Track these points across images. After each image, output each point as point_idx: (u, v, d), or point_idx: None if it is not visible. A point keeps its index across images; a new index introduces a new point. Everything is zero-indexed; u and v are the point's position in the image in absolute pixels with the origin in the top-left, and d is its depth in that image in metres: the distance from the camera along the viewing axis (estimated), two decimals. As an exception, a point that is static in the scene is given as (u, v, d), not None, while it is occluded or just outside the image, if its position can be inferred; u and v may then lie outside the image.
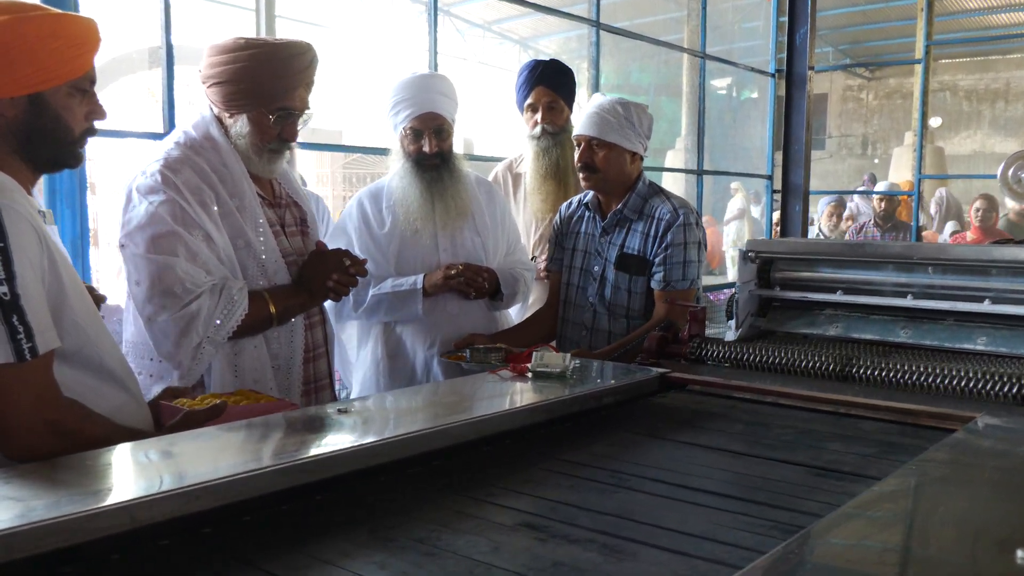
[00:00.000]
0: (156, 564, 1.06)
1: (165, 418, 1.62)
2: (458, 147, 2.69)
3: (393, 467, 1.36)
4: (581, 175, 2.61)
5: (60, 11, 1.53)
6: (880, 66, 16.78)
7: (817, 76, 6.15)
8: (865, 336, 2.12)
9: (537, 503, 1.26)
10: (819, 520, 1.06)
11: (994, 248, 2.07)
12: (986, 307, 1.97)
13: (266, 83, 2.01)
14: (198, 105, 2.14)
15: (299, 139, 2.18)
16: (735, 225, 11.20)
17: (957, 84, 16.65)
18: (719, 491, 1.31)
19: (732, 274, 9.19)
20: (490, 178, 3.18)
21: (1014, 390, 1.66)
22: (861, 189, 9.97)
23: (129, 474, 1.27)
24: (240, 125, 2.04)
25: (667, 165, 9.23)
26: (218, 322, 1.91)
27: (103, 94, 1.62)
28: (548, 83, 3.06)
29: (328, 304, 2.30)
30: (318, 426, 1.50)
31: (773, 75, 6.91)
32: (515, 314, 2.96)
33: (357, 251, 2.55)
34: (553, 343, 2.72)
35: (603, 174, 2.57)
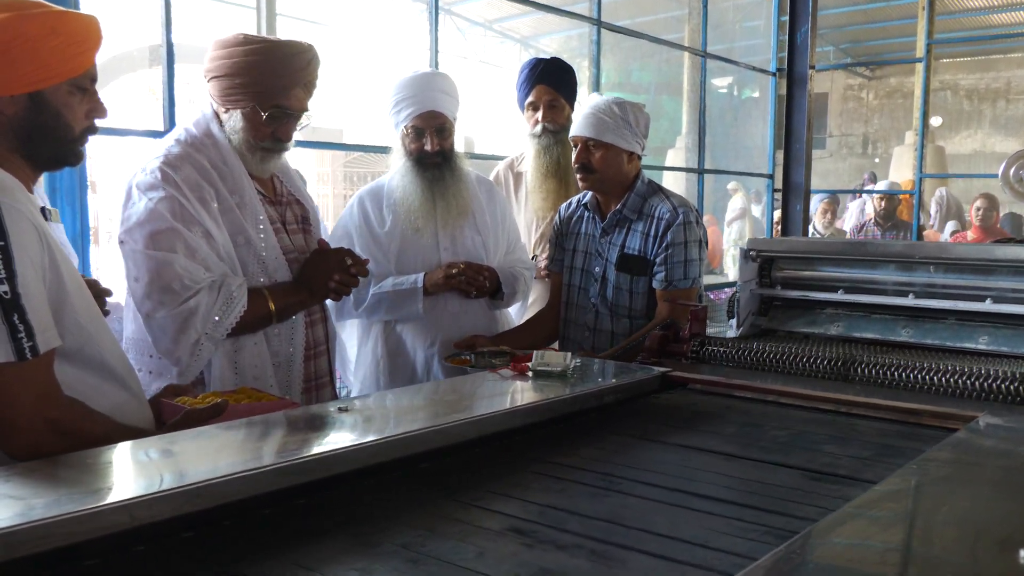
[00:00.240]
0: (129, 572, 1.04)
1: (166, 416, 1.62)
2: (459, 146, 2.69)
3: (380, 469, 1.35)
4: (578, 176, 2.60)
5: (61, 8, 1.53)
6: (881, 65, 16.77)
7: (818, 75, 6.14)
8: (866, 335, 2.11)
9: (526, 507, 1.24)
10: (816, 523, 1.05)
11: (996, 247, 2.07)
12: (988, 306, 1.97)
13: (263, 79, 2.01)
14: (199, 103, 2.13)
15: (298, 139, 2.18)
16: (737, 225, 11.19)
17: (958, 83, 16.63)
18: (712, 495, 1.29)
19: (733, 273, 9.19)
20: (491, 177, 3.18)
21: (1016, 389, 1.66)
22: (866, 188, 9.96)
23: (117, 474, 1.25)
24: (234, 120, 2.03)
25: (668, 164, 9.22)
26: (216, 319, 1.91)
27: (104, 92, 1.61)
28: (549, 81, 3.06)
29: (328, 302, 2.29)
30: (313, 426, 1.48)
31: (774, 74, 6.91)
32: (515, 313, 2.96)
33: (358, 250, 2.54)
34: (555, 345, 2.72)
35: (600, 175, 2.56)
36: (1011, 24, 12.50)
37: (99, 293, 1.91)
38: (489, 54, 11.59)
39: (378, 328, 2.66)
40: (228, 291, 1.93)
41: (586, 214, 2.69)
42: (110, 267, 2.20)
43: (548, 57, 3.19)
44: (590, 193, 2.67)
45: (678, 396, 1.90)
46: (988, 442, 1.46)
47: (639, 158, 2.62)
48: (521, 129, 3.20)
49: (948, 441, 1.41)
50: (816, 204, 8.23)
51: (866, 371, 1.84)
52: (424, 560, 1.05)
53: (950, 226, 8.40)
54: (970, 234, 6.97)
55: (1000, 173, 5.90)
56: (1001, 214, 7.44)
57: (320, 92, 2.17)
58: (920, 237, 7.22)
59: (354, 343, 2.74)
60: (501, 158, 3.45)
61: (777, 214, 6.97)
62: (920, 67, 7.27)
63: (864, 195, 9.47)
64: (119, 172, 2.09)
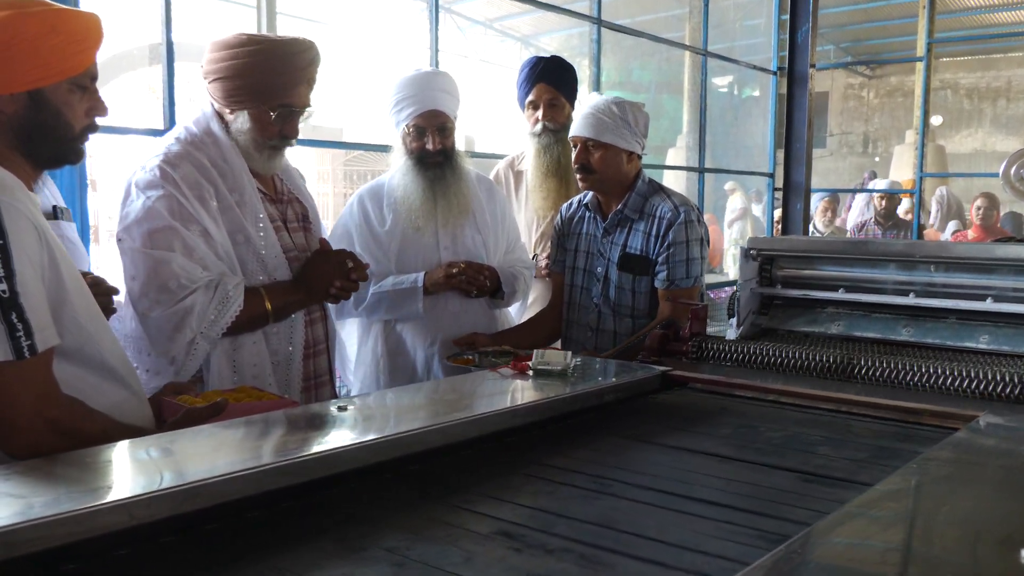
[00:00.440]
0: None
1: (167, 414, 1.61)
2: (459, 145, 2.69)
3: (370, 471, 1.33)
4: (578, 176, 2.60)
5: (61, 6, 1.52)
6: (881, 64, 16.75)
7: (818, 74, 6.14)
8: (867, 334, 2.11)
9: (515, 510, 1.22)
10: (810, 526, 1.03)
11: (997, 246, 2.07)
12: (988, 305, 1.97)
13: (268, 79, 2.01)
14: (199, 101, 2.13)
15: (299, 137, 2.18)
16: (738, 226, 11.18)
17: (958, 82, 16.62)
18: (704, 498, 1.27)
19: (733, 272, 9.19)
20: (491, 176, 3.18)
21: (1016, 389, 1.66)
22: (866, 187, 9.94)
23: (103, 476, 1.23)
24: (241, 121, 2.03)
25: (668, 163, 9.22)
26: (212, 318, 1.91)
27: (104, 91, 1.61)
28: (549, 80, 3.05)
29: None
30: (305, 428, 1.46)
31: (775, 73, 6.90)
32: (515, 313, 2.96)
33: (358, 249, 2.54)
34: (557, 344, 2.71)
35: (600, 175, 2.55)
36: (1011, 23, 12.47)
37: (106, 291, 1.92)
38: (489, 53, 11.58)
39: (378, 327, 2.66)
40: (224, 290, 1.93)
41: (587, 214, 2.68)
42: (110, 266, 2.19)
43: (548, 56, 3.18)
44: (591, 193, 2.67)
45: (676, 396, 1.90)
46: (989, 442, 1.46)
47: (639, 157, 2.62)
48: (521, 128, 3.20)
49: (949, 440, 1.40)
50: (816, 203, 8.22)
51: (866, 370, 1.84)
52: (409, 565, 1.03)
53: (952, 225, 8.40)
54: (971, 233, 6.97)
55: (1001, 172, 5.89)
56: (1002, 213, 7.43)
57: (320, 91, 2.17)
58: (921, 236, 7.22)
59: (354, 342, 2.74)
60: (501, 157, 3.45)
61: (777, 213, 6.96)
62: (920, 66, 7.27)
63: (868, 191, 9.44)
64: (119, 171, 2.09)
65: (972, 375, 1.71)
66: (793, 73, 6.03)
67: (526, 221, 3.18)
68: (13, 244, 1.32)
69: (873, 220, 7.18)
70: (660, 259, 2.52)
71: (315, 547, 1.09)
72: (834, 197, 8.34)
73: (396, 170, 2.60)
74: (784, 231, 6.24)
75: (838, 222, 8.44)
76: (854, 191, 9.79)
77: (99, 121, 1.59)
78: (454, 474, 1.38)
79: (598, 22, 5.16)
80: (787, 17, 6.08)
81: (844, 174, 16.53)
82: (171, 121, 2.93)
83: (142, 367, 1.98)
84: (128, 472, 1.26)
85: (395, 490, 1.31)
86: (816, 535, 1.00)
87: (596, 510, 1.23)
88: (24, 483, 1.12)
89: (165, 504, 1.08)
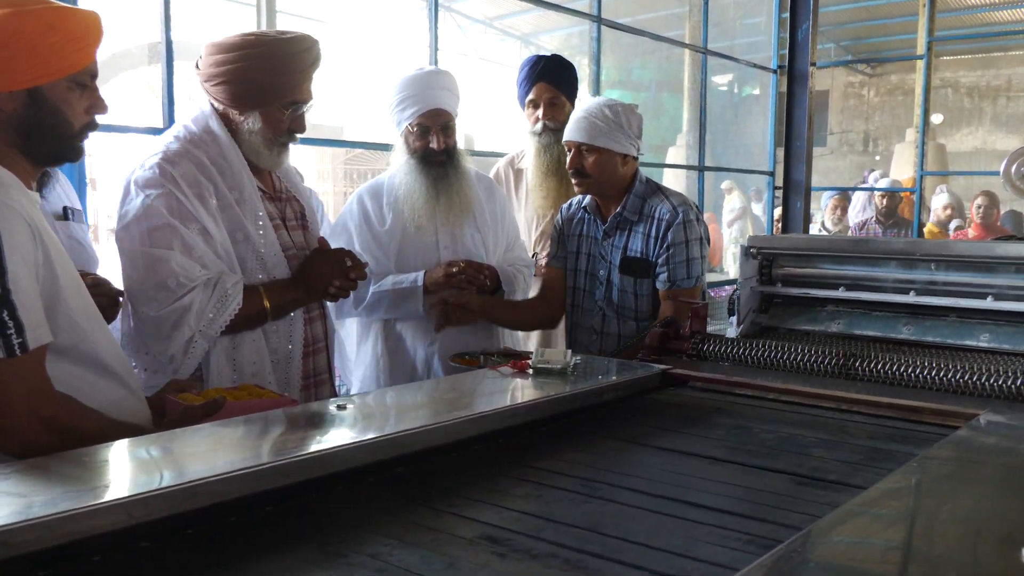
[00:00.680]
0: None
1: (170, 412, 1.61)
2: (459, 143, 2.68)
3: (357, 473, 1.30)
4: (573, 181, 2.59)
5: (60, 4, 1.52)
6: (882, 62, 16.74)
7: (819, 72, 6.13)
8: (867, 333, 2.11)
9: (501, 514, 1.19)
10: (801, 530, 1.01)
11: (997, 244, 2.07)
12: (989, 303, 1.96)
13: (276, 79, 2.02)
14: (197, 100, 2.13)
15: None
16: (738, 225, 11.17)
17: (959, 81, 16.61)
18: (695, 501, 1.25)
19: (733, 271, 9.18)
20: (491, 174, 3.17)
21: (1017, 387, 1.65)
22: (868, 184, 9.92)
23: (80, 478, 1.19)
24: (252, 121, 2.04)
25: (668, 161, 9.22)
26: (211, 316, 1.91)
27: (104, 89, 1.61)
28: (549, 79, 3.05)
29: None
30: (291, 429, 1.44)
31: (775, 71, 6.89)
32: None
33: (357, 248, 2.54)
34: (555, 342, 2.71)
35: (594, 179, 2.54)
36: (1012, 21, 12.46)
37: (107, 293, 1.92)
38: (489, 51, 11.58)
39: (378, 326, 2.66)
40: (223, 288, 1.93)
41: (587, 216, 2.68)
42: (110, 264, 2.19)
43: (548, 54, 3.18)
44: (589, 196, 2.66)
45: (675, 395, 1.90)
46: (990, 440, 1.46)
47: (636, 159, 2.61)
48: (521, 126, 3.20)
49: (950, 439, 1.40)
50: (826, 200, 8.20)
51: (867, 369, 1.84)
52: (391, 571, 1.02)
53: (953, 224, 8.38)
54: (971, 231, 6.96)
55: (1002, 170, 5.88)
56: (1002, 212, 7.42)
57: (321, 90, 2.18)
58: (921, 235, 7.21)
59: (353, 340, 2.74)
60: (501, 155, 3.44)
61: (778, 212, 6.96)
62: (921, 64, 7.26)
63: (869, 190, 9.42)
64: (119, 169, 2.08)
65: (973, 373, 1.71)
66: (793, 71, 6.02)
67: (526, 220, 3.17)
68: (5, 242, 1.32)
69: (874, 219, 7.17)
70: (660, 261, 2.52)
71: (296, 553, 1.07)
72: (844, 195, 8.30)
73: (398, 169, 2.60)
74: (784, 229, 6.24)
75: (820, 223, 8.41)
76: (854, 189, 9.78)
77: (99, 119, 1.59)
78: (442, 476, 1.36)
79: (598, 20, 5.16)
80: (787, 15, 6.07)
81: (844, 172, 16.52)
82: (170, 120, 2.93)
83: (141, 365, 1.98)
84: (115, 473, 1.24)
85: (380, 493, 1.29)
86: (817, 534, 0.99)
87: (584, 514, 1.21)
88: (22, 482, 1.12)
89: (141, 509, 1.06)
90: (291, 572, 1.02)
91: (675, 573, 1.01)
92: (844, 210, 8.00)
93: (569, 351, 1.88)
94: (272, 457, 1.24)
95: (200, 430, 1.41)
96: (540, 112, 3.04)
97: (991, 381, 1.68)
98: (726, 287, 6.87)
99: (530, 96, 3.06)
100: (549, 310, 2.75)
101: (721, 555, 1.05)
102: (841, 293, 2.17)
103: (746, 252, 2.27)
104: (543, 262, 2.92)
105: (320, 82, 2.16)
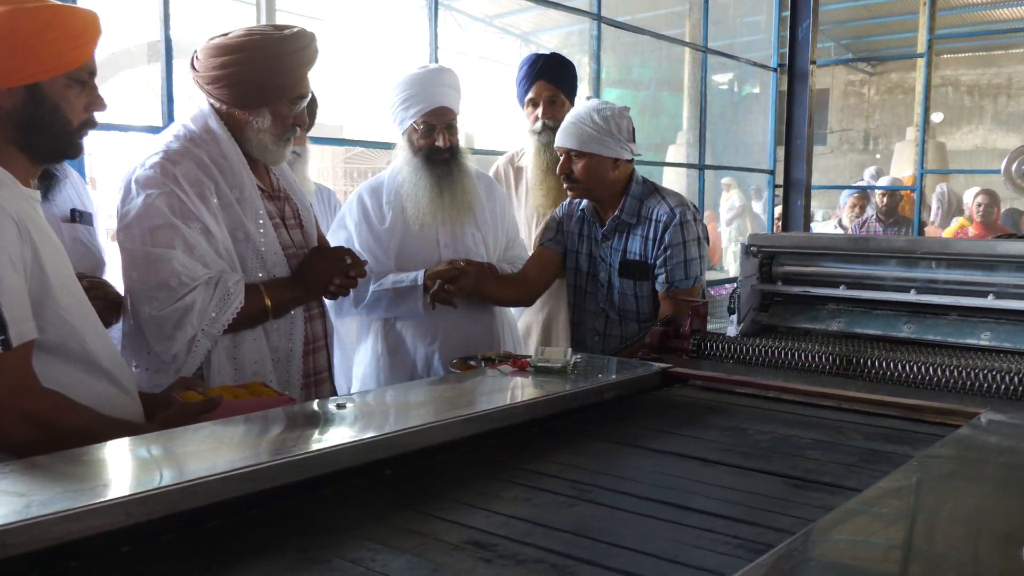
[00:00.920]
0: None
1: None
2: (461, 141, 2.68)
3: (343, 475, 1.28)
4: (564, 185, 2.60)
5: (58, 3, 1.53)
6: (882, 61, 16.73)
7: (819, 71, 6.13)
8: (868, 331, 2.11)
9: (489, 518, 1.17)
10: (794, 534, 0.99)
11: (999, 243, 2.06)
12: (990, 302, 1.96)
13: (282, 77, 2.01)
14: (196, 99, 2.12)
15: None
16: (737, 224, 11.17)
17: (959, 79, 16.60)
18: (686, 504, 1.22)
19: (734, 269, 9.18)
20: (491, 172, 3.17)
21: (1018, 386, 1.65)
22: (868, 183, 9.91)
23: (59, 480, 1.15)
24: (261, 120, 2.03)
25: (668, 160, 9.21)
26: (213, 315, 1.90)
27: (103, 88, 1.61)
28: (549, 77, 3.05)
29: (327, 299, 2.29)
30: (279, 429, 1.42)
31: (775, 70, 6.89)
32: (515, 311, 2.95)
33: (357, 246, 2.54)
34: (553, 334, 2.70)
35: (584, 184, 2.55)
36: (1012, 20, 12.45)
37: (106, 296, 1.91)
38: (489, 49, 11.56)
39: (377, 325, 2.66)
40: (225, 287, 1.93)
41: (586, 218, 2.67)
42: (110, 262, 2.19)
43: (548, 53, 3.17)
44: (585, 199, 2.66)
45: (673, 394, 1.89)
46: (991, 438, 1.45)
47: (630, 161, 2.60)
48: (521, 125, 3.19)
49: (951, 437, 1.40)
50: (845, 199, 8.17)
51: (867, 367, 1.83)
52: None
53: (955, 222, 8.37)
54: (971, 230, 6.95)
55: (1003, 169, 5.87)
56: (1002, 210, 7.41)
57: (321, 88, 2.18)
58: (922, 233, 7.21)
59: (353, 340, 2.73)
60: (501, 153, 3.44)
61: (778, 210, 6.95)
62: (921, 63, 7.25)
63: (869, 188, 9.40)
64: (119, 168, 2.08)
65: (974, 372, 1.70)
66: (794, 70, 6.02)
67: (526, 218, 3.17)
68: None
69: (874, 217, 7.17)
70: (659, 263, 2.52)
71: (277, 559, 1.05)
72: (863, 194, 8.28)
73: (401, 168, 2.59)
74: (784, 228, 6.23)
75: (836, 219, 8.40)
76: (855, 188, 9.77)
77: (98, 117, 1.59)
78: (431, 479, 1.34)
79: (598, 19, 5.15)
80: (787, 14, 6.06)
81: (844, 171, 16.52)
82: (170, 118, 2.93)
83: (143, 365, 1.97)
84: (90, 474, 1.20)
85: (367, 496, 1.26)
86: (818, 532, 0.99)
87: (574, 518, 1.19)
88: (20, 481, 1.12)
89: (119, 514, 1.04)
90: (268, 579, 1.00)
91: (664, 578, 0.99)
92: (863, 209, 7.97)
93: (569, 349, 1.88)
94: (256, 460, 1.20)
95: (184, 431, 1.38)
96: (539, 111, 3.04)
97: (992, 380, 1.68)
98: (726, 285, 6.86)
99: (529, 95, 3.06)
100: (529, 290, 2.73)
101: (711, 560, 1.04)
102: (842, 292, 2.16)
103: (746, 250, 2.27)
104: None
105: (320, 81, 2.16)
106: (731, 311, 2.27)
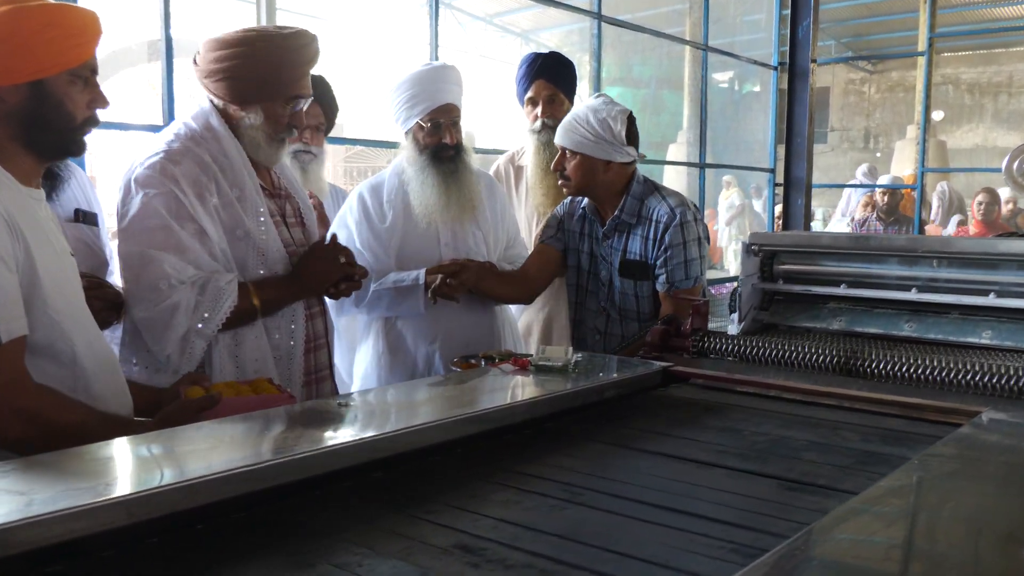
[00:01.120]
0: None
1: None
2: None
3: (334, 478, 1.27)
4: (559, 182, 2.62)
5: (58, 2, 1.54)
6: (882, 59, 16.72)
7: (819, 69, 6.12)
8: (869, 330, 2.10)
9: (478, 521, 1.16)
10: (788, 539, 0.98)
11: (1000, 241, 2.06)
12: (991, 300, 1.96)
13: (278, 74, 2.01)
14: (197, 97, 2.12)
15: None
16: (736, 223, 11.17)
17: (960, 77, 16.60)
18: (680, 508, 1.20)
19: (734, 268, 9.17)
20: (491, 171, 3.17)
21: (1020, 384, 1.65)
22: (868, 182, 9.90)
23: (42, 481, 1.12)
24: (253, 117, 2.03)
25: (669, 158, 9.21)
26: (206, 315, 1.90)
27: (103, 87, 1.61)
28: (548, 76, 3.04)
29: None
30: (268, 430, 1.41)
31: (775, 68, 6.88)
32: (515, 310, 2.95)
33: (357, 245, 2.54)
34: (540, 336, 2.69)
35: (575, 182, 2.57)
36: (1013, 18, 12.45)
37: (105, 297, 1.91)
38: (489, 48, 11.56)
39: (378, 324, 2.65)
40: (216, 287, 1.92)
41: (587, 216, 2.68)
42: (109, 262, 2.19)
43: (547, 52, 3.17)
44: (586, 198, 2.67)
45: (672, 393, 1.88)
46: (992, 437, 1.45)
47: (629, 163, 2.59)
48: (521, 123, 3.19)
49: (952, 437, 1.40)
50: (859, 197, 8.15)
51: (868, 366, 1.83)
52: None
53: (955, 220, 8.37)
54: (972, 228, 6.96)
55: (1004, 167, 5.87)
56: (1004, 209, 7.41)
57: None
58: (922, 231, 7.20)
59: (354, 338, 2.73)
60: (501, 152, 3.44)
61: (778, 208, 6.95)
62: (922, 61, 7.24)
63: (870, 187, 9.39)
64: (120, 167, 2.08)
65: (975, 370, 1.70)
66: (794, 68, 6.01)
67: (526, 217, 3.17)
68: None
69: (875, 216, 7.16)
70: (659, 263, 2.52)
71: (262, 563, 1.04)
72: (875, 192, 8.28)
73: (406, 166, 2.57)
74: (785, 226, 6.23)
75: (849, 216, 8.38)
76: (855, 187, 9.76)
77: (100, 115, 1.60)
78: (421, 481, 1.32)
79: (598, 17, 5.15)
80: (788, 12, 6.06)
81: (845, 169, 16.52)
82: (170, 117, 2.93)
83: (143, 364, 1.97)
84: (72, 475, 1.17)
85: (356, 499, 1.25)
86: (819, 532, 0.99)
87: (564, 521, 1.17)
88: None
89: (102, 517, 1.02)
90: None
91: (654, 584, 0.98)
92: (874, 208, 7.96)
93: (570, 348, 1.87)
94: (242, 463, 1.18)
95: (168, 433, 1.37)
96: (539, 110, 3.04)
97: (993, 378, 1.67)
98: (727, 284, 6.86)
99: (529, 94, 3.06)
100: (529, 288, 2.73)
101: (704, 565, 1.02)
102: (843, 290, 2.16)
103: (747, 249, 2.27)
104: None
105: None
106: (732, 310, 2.27)
